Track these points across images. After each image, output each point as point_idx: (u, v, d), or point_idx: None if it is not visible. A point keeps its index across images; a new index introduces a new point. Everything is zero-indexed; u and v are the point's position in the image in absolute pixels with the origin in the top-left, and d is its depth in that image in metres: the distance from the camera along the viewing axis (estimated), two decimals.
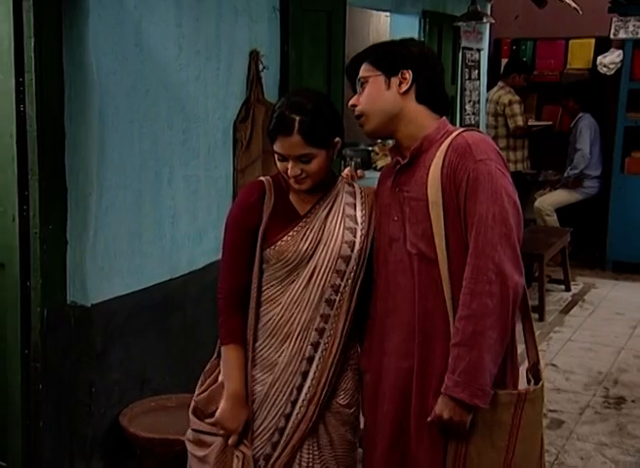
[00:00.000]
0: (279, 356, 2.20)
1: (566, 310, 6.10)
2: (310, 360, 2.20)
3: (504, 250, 1.98)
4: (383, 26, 6.51)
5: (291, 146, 2.10)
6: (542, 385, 2.22)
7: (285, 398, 2.21)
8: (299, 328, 2.18)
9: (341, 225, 2.21)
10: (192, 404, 2.34)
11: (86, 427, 3.03)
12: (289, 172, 2.13)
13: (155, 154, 3.19)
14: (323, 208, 2.22)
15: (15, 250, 2.84)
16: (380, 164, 5.50)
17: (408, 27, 5.33)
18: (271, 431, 2.22)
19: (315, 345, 2.19)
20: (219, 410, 2.20)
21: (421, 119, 2.16)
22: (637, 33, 6.85)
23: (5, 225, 2.86)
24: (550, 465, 3.64)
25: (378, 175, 5.14)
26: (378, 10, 5.61)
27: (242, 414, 2.20)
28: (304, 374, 2.20)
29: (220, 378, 2.27)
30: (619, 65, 7.00)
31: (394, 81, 2.14)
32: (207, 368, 2.37)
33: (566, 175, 7.24)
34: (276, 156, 2.16)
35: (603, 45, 7.29)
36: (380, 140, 5.57)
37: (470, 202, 2.01)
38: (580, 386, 4.59)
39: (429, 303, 2.09)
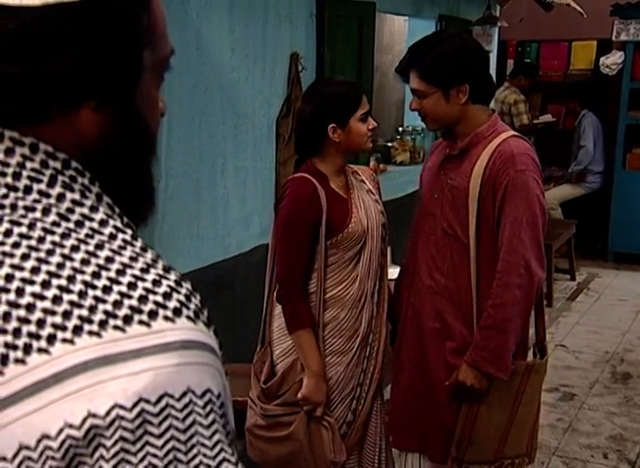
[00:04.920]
0: (360, 322, 2.43)
1: (572, 297, 6.40)
2: (375, 317, 2.48)
3: (533, 249, 2.30)
4: (397, 29, 6.82)
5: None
6: (547, 360, 2.59)
7: (363, 355, 2.47)
8: (369, 293, 2.45)
9: (370, 199, 2.48)
10: (257, 393, 2.50)
11: None
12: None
13: (211, 146, 3.53)
14: (354, 188, 2.46)
15: None
16: (399, 159, 5.80)
17: (425, 31, 5.62)
18: (355, 389, 2.47)
19: (376, 304, 2.48)
20: (304, 388, 2.36)
21: (478, 115, 2.38)
22: (638, 36, 7.06)
23: None
24: (564, 431, 3.99)
25: (398, 169, 5.51)
26: (399, 15, 5.93)
27: (325, 387, 2.39)
28: (374, 333, 2.49)
29: (282, 366, 2.44)
30: (620, 66, 7.22)
31: (452, 93, 2.30)
32: (255, 360, 2.54)
33: (570, 170, 7.48)
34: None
35: (605, 47, 7.51)
36: (399, 137, 5.92)
37: (507, 205, 2.28)
38: (588, 364, 4.91)
39: (459, 278, 2.40)
